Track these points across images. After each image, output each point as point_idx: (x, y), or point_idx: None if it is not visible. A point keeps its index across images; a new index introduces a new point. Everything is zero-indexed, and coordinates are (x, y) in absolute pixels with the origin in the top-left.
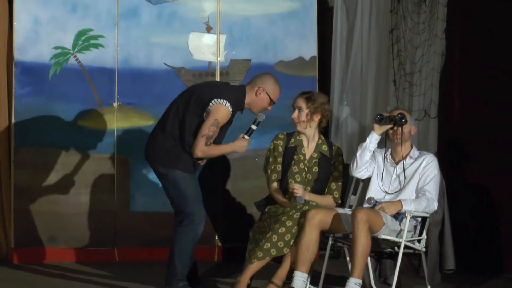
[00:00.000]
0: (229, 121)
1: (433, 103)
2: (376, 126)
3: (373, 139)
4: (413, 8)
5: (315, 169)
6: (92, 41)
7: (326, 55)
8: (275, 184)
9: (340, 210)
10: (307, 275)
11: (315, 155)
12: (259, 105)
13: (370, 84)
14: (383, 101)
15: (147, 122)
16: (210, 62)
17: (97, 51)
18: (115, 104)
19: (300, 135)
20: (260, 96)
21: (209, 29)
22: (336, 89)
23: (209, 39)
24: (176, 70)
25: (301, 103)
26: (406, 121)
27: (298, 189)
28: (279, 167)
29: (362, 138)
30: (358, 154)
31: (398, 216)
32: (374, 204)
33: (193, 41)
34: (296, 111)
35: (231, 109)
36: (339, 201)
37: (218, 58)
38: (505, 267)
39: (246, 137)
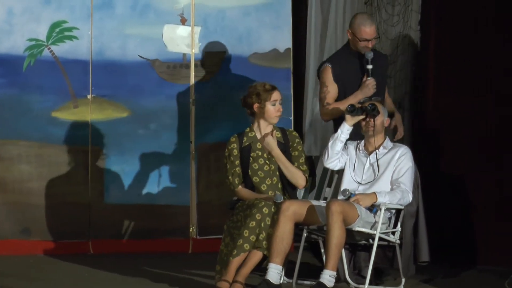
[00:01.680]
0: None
1: (407, 95)
2: (348, 116)
3: (345, 129)
4: (387, 0)
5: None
6: (66, 33)
7: (301, 47)
8: (240, 187)
9: (314, 202)
10: (281, 267)
11: None
12: (356, 46)
13: None
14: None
15: (121, 114)
16: (184, 54)
17: (71, 43)
18: (89, 96)
19: (251, 131)
20: (352, 38)
21: (183, 21)
22: (311, 81)
23: (183, 31)
24: (151, 62)
25: (280, 95)
26: (378, 112)
27: (269, 139)
28: (238, 170)
29: (337, 130)
30: (329, 144)
31: (373, 208)
32: (349, 196)
33: (168, 32)
34: (278, 104)
35: (327, 64)
36: (307, 175)
37: (193, 50)
38: (479, 259)
39: (370, 78)
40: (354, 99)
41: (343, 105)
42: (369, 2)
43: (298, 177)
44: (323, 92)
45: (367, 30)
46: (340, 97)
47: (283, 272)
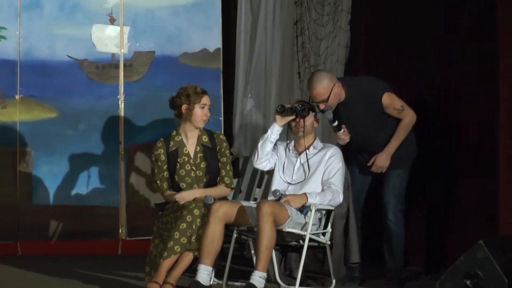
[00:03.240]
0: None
1: None
2: (278, 117)
3: (275, 130)
4: (317, 0)
5: (203, 164)
6: None
7: (231, 46)
8: (169, 191)
9: (244, 203)
10: (211, 268)
11: (198, 148)
12: None
13: (275, 76)
14: (288, 93)
15: (49, 114)
16: (113, 54)
17: None
18: (17, 97)
19: (178, 135)
20: None
21: (112, 21)
22: (240, 81)
23: (112, 30)
24: (79, 62)
25: (209, 101)
26: (308, 112)
27: (184, 199)
28: (166, 174)
29: (267, 130)
30: (259, 145)
31: (304, 209)
32: (280, 196)
33: (96, 32)
34: (207, 109)
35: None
36: (233, 186)
37: (122, 50)
38: (410, 261)
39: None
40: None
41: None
42: (299, 2)
43: (223, 193)
44: None
45: (310, 92)
46: None
47: (213, 273)
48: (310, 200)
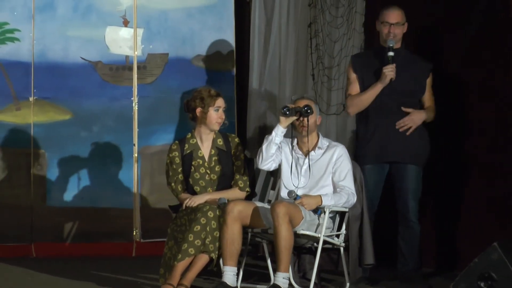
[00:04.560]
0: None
1: None
2: (282, 118)
3: (279, 132)
4: (331, 2)
5: (217, 167)
6: (8, 35)
7: (244, 48)
8: (183, 194)
9: (258, 204)
10: (236, 268)
11: (213, 151)
12: (382, 36)
13: (288, 78)
14: (302, 95)
15: (63, 116)
16: (127, 56)
17: (13, 45)
18: (31, 98)
19: (192, 138)
20: (378, 28)
21: (126, 23)
22: (254, 83)
23: (126, 32)
24: (93, 64)
25: (224, 103)
26: (312, 112)
27: (196, 203)
28: (181, 177)
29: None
30: (264, 147)
31: (317, 210)
32: (295, 197)
33: (110, 34)
34: (221, 111)
35: (350, 58)
36: (247, 190)
37: (136, 52)
38: (424, 261)
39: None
40: (373, 90)
41: (362, 96)
42: (313, 4)
43: (236, 196)
44: (347, 85)
45: (388, 12)
46: (360, 89)
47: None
48: (325, 202)
